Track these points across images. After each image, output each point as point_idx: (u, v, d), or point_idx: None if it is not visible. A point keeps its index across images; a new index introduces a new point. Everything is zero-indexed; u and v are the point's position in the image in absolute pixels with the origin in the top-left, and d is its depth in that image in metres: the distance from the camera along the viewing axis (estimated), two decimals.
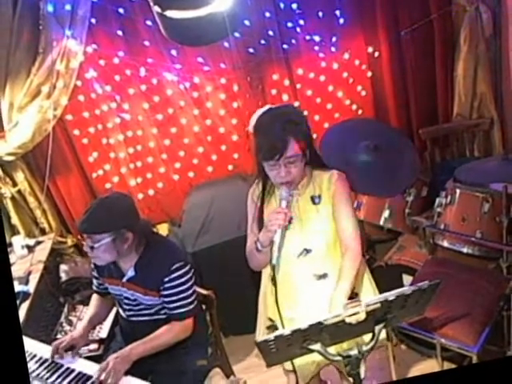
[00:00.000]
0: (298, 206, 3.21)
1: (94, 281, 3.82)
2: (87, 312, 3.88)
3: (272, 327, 3.41)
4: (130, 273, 3.48)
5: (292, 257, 3.25)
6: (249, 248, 3.29)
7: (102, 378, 3.17)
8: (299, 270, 3.27)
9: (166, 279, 3.39)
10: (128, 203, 3.44)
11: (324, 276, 3.26)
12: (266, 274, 3.44)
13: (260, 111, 3.21)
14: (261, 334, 3.53)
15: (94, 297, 3.90)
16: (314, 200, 3.20)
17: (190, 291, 3.48)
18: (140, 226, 3.45)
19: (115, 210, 3.35)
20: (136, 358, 3.31)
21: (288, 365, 3.42)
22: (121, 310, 3.74)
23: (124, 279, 3.51)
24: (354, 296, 3.11)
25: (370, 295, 3.35)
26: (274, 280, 3.01)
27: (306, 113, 5.45)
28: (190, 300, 3.47)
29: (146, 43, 4.99)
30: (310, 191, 3.22)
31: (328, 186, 3.19)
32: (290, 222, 3.12)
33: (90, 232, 3.27)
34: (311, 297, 3.29)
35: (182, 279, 3.42)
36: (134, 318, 3.64)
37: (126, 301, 3.60)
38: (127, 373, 3.23)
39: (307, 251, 3.23)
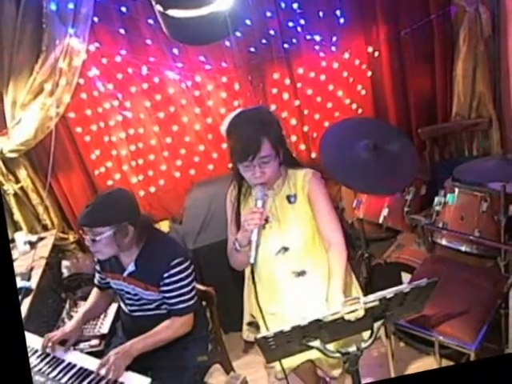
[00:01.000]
0: (275, 205, 3.25)
1: (97, 275, 3.83)
2: (83, 307, 3.89)
3: (253, 323, 3.46)
4: (131, 267, 3.48)
5: (271, 255, 3.30)
6: (229, 249, 3.33)
7: (103, 373, 3.18)
8: (278, 268, 3.33)
9: (166, 275, 3.39)
10: (129, 198, 3.46)
11: (302, 273, 3.31)
12: (247, 272, 3.49)
13: (232, 114, 3.21)
14: (244, 331, 3.57)
15: (93, 292, 3.91)
16: (290, 199, 3.24)
17: (190, 287, 3.48)
18: (141, 221, 3.45)
19: (116, 204, 3.36)
20: (137, 354, 3.31)
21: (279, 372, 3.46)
22: (122, 305, 3.75)
23: (125, 274, 3.52)
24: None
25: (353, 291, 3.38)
26: (252, 278, 3.01)
27: (305, 112, 5.47)
28: (189, 296, 3.47)
29: (148, 42, 4.99)
30: (285, 190, 3.26)
31: (303, 184, 3.22)
32: (266, 222, 3.11)
33: (91, 225, 3.27)
34: (291, 293, 3.34)
35: (182, 275, 3.42)
36: (135, 313, 3.64)
37: (128, 295, 3.61)
38: (128, 368, 3.23)
39: (285, 249, 3.28)
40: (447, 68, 5.48)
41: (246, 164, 3.01)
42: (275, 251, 3.27)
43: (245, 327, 3.58)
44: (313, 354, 3.02)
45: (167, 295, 3.45)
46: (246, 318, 3.58)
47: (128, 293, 3.59)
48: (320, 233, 3.25)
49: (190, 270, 3.47)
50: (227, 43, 5.07)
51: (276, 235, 3.26)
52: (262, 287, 3.22)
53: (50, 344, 3.49)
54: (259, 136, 2.96)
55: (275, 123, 3.11)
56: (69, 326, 3.67)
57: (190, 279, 3.47)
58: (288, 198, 3.22)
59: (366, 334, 2.74)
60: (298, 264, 3.29)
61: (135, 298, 3.58)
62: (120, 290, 3.64)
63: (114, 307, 4.18)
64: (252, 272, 3.00)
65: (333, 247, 3.15)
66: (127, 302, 3.65)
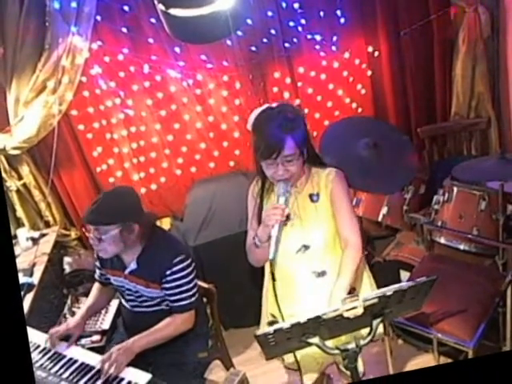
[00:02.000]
0: (297, 203, 3.21)
1: (97, 271, 3.83)
2: (85, 303, 3.89)
3: (273, 323, 3.41)
4: (133, 265, 3.48)
5: (291, 253, 3.25)
6: (248, 243, 3.29)
7: (105, 368, 3.18)
8: (298, 267, 3.29)
9: (168, 272, 3.39)
10: (134, 197, 3.47)
11: (323, 274, 3.27)
12: (267, 270, 3.44)
13: (258, 110, 3.18)
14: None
15: (95, 288, 3.91)
16: (313, 198, 3.20)
17: (192, 284, 3.48)
18: (145, 219, 3.46)
19: (122, 203, 3.37)
20: (139, 351, 3.32)
21: (291, 364, 3.44)
22: (123, 301, 3.75)
23: (126, 271, 3.52)
24: (351, 291, 3.10)
25: (368, 291, 3.35)
26: (272, 275, 3.00)
27: (305, 111, 5.47)
28: (191, 293, 3.48)
29: (150, 40, 4.98)
30: (308, 189, 3.22)
31: (326, 183, 3.18)
32: (288, 219, 3.10)
33: (97, 223, 3.27)
34: (311, 294, 3.30)
35: (184, 272, 3.42)
36: (136, 309, 3.65)
37: (128, 292, 3.61)
38: (129, 364, 3.23)
39: (306, 248, 3.23)
40: (446, 68, 5.47)
41: (269, 162, 2.99)
42: (296, 249, 3.24)
43: (265, 326, 3.53)
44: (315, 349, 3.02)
45: (169, 292, 3.46)
46: (266, 317, 3.54)
47: (129, 290, 3.59)
48: (338, 232, 3.23)
49: (191, 268, 3.48)
50: (228, 42, 5.04)
51: (297, 233, 3.22)
52: (281, 286, 3.18)
53: (53, 339, 3.50)
54: (284, 134, 2.93)
55: (300, 121, 3.06)
56: (72, 321, 3.67)
57: (191, 276, 3.48)
58: (311, 196, 3.20)
59: (365, 332, 2.74)
60: (318, 264, 3.25)
61: (136, 295, 3.58)
62: (121, 286, 3.64)
63: (115, 303, 4.18)
64: (272, 270, 3.00)
65: (349, 248, 3.12)
66: (128, 298, 3.66)
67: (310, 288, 3.29)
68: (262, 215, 3.17)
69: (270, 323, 3.41)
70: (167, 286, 3.44)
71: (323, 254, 3.25)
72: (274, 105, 3.22)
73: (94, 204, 3.31)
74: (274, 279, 3.00)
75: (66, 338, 3.58)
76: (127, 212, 3.35)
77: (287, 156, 2.96)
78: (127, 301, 3.68)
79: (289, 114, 3.05)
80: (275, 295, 3.02)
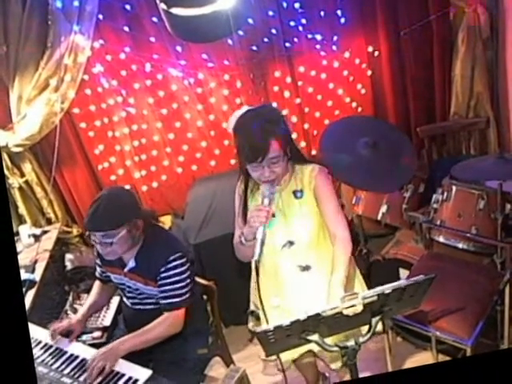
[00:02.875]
0: (281, 200, 3.22)
1: (98, 268, 3.83)
2: (87, 299, 3.90)
3: (254, 313, 3.44)
4: (131, 263, 3.48)
5: (276, 248, 3.28)
6: (235, 241, 3.30)
7: (88, 373, 3.17)
8: (284, 261, 3.31)
9: (162, 269, 3.40)
10: (130, 195, 3.50)
11: (307, 268, 3.29)
12: (252, 265, 3.45)
13: (237, 112, 3.18)
14: (249, 321, 3.57)
15: (96, 284, 3.92)
16: (296, 194, 3.21)
17: (184, 283, 3.47)
18: (144, 214, 3.47)
19: (123, 204, 3.36)
20: (124, 354, 3.29)
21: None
22: (124, 298, 3.75)
23: (126, 269, 3.52)
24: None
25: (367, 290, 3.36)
26: (256, 273, 3.00)
27: (306, 110, 5.47)
28: (183, 291, 3.46)
29: (152, 39, 4.98)
30: (292, 186, 3.23)
31: (309, 180, 3.19)
32: (273, 216, 3.12)
33: (106, 229, 3.25)
34: (296, 287, 3.33)
35: (177, 270, 3.42)
36: (137, 306, 3.66)
37: (128, 289, 3.62)
38: (129, 360, 3.23)
39: (291, 243, 3.26)
40: (446, 68, 5.47)
41: (254, 165, 2.98)
42: (281, 245, 3.25)
43: (249, 316, 3.56)
44: (313, 346, 3.02)
45: (161, 289, 3.45)
46: (251, 308, 3.57)
47: (129, 287, 3.60)
48: (326, 228, 3.23)
49: (186, 266, 3.47)
50: (230, 41, 5.05)
51: (282, 229, 3.23)
52: (267, 280, 3.24)
53: (55, 334, 3.50)
54: (267, 136, 2.92)
55: (281, 121, 3.07)
56: (74, 318, 3.68)
57: (185, 275, 3.46)
58: (294, 193, 3.20)
59: (364, 329, 2.74)
60: (303, 258, 3.27)
61: (136, 293, 3.59)
62: (121, 284, 3.65)
63: (116, 300, 4.17)
64: (256, 267, 3.01)
65: (338, 242, 3.12)
66: (128, 295, 3.66)
67: (294, 281, 3.32)
68: (247, 215, 3.17)
69: (251, 312, 3.44)
70: (160, 283, 3.44)
71: (308, 249, 3.27)
72: (253, 107, 3.22)
73: (94, 211, 3.27)
74: (257, 276, 3.00)
75: (67, 333, 3.58)
76: (129, 211, 3.35)
77: (272, 158, 2.96)
78: (128, 298, 3.69)
79: (270, 116, 3.05)
80: (258, 289, 3.03)
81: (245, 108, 3.21)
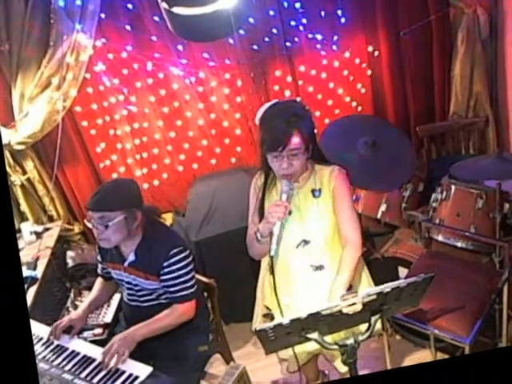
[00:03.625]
0: (299, 198, 3.22)
1: (99, 265, 3.84)
2: (89, 296, 3.90)
3: (268, 315, 3.43)
4: (131, 257, 3.48)
5: (291, 247, 3.26)
6: (249, 237, 3.30)
7: (106, 360, 3.18)
8: (297, 260, 3.29)
9: (165, 264, 3.40)
10: (135, 186, 3.49)
11: (320, 267, 3.28)
12: (264, 263, 3.46)
13: (267, 105, 3.20)
14: (257, 322, 3.56)
15: (98, 281, 3.92)
16: (315, 193, 3.21)
17: (190, 275, 3.48)
18: (146, 209, 3.47)
19: (126, 190, 3.39)
20: (140, 339, 3.32)
21: (282, 354, 3.46)
22: (124, 295, 3.75)
23: (125, 264, 3.52)
24: (348, 288, 3.10)
25: (366, 289, 3.36)
26: (272, 271, 3.01)
27: (309, 109, 5.47)
28: (190, 284, 3.47)
29: (154, 38, 4.98)
30: (310, 184, 3.23)
31: (329, 180, 3.20)
32: (290, 214, 3.12)
33: (103, 210, 3.26)
34: (308, 286, 3.31)
35: (182, 263, 3.42)
36: (136, 303, 3.66)
37: (128, 285, 3.61)
38: (130, 357, 3.23)
39: (306, 242, 3.24)
40: (445, 68, 5.47)
41: (274, 154, 3.00)
42: (296, 244, 3.25)
43: (260, 319, 3.54)
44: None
45: (168, 284, 3.45)
46: (260, 310, 3.55)
47: (128, 283, 3.60)
48: (339, 228, 3.24)
49: (189, 259, 3.47)
50: (231, 41, 5.05)
51: (298, 228, 3.23)
52: (279, 278, 3.22)
53: (57, 331, 3.51)
54: (290, 128, 2.94)
55: (308, 118, 3.09)
56: (75, 314, 3.68)
57: (189, 268, 3.47)
58: (313, 192, 3.20)
59: (363, 327, 2.74)
60: (316, 258, 3.26)
61: (136, 289, 3.58)
62: (121, 280, 3.65)
63: (117, 297, 4.17)
64: (271, 264, 3.00)
65: (348, 245, 3.14)
66: (128, 292, 3.66)
67: (307, 280, 3.31)
68: (265, 211, 3.18)
69: (265, 315, 3.44)
70: (165, 277, 3.44)
71: (322, 248, 3.26)
72: (282, 101, 3.23)
73: (96, 193, 3.33)
74: (273, 273, 3.00)
75: (68, 330, 3.58)
76: (131, 199, 3.37)
77: (293, 150, 2.98)
78: (127, 294, 3.69)
79: (297, 110, 3.07)
80: (274, 289, 3.03)
81: (273, 101, 3.22)
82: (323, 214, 3.21)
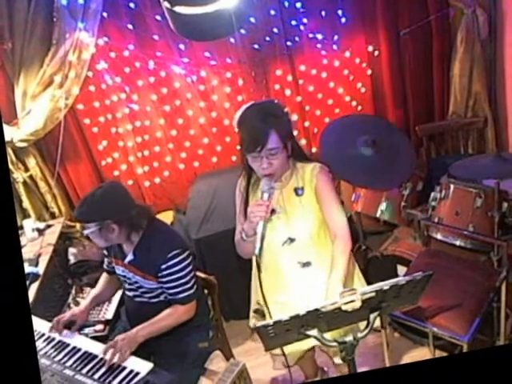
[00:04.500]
0: (283, 197, 3.24)
1: (105, 259, 3.86)
2: (92, 291, 3.92)
3: (259, 311, 3.46)
4: (130, 256, 3.50)
5: (277, 245, 3.28)
6: (236, 237, 3.32)
7: (109, 357, 3.18)
8: (284, 258, 3.32)
9: (164, 266, 3.40)
10: (117, 196, 3.46)
11: (307, 264, 3.29)
12: (254, 262, 3.46)
13: (244, 106, 3.21)
14: (250, 318, 3.57)
15: (102, 276, 3.96)
16: (297, 192, 3.22)
17: (189, 277, 3.48)
18: (133, 216, 3.44)
19: (104, 204, 3.36)
20: (142, 340, 3.33)
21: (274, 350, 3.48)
22: (125, 291, 3.76)
23: (126, 261, 3.53)
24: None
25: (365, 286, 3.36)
26: (258, 268, 3.01)
27: (307, 108, 5.47)
28: (189, 285, 3.48)
29: (156, 37, 4.98)
30: (293, 183, 3.24)
31: (310, 178, 3.20)
32: (273, 213, 3.16)
33: (79, 220, 3.37)
34: (296, 282, 3.34)
35: (179, 266, 3.42)
36: (137, 299, 3.67)
37: (129, 281, 3.63)
38: (131, 353, 3.23)
39: (291, 240, 3.26)
40: (445, 68, 5.47)
41: (253, 155, 3.00)
42: (281, 242, 3.26)
43: (251, 314, 3.58)
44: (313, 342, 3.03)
45: (166, 286, 3.46)
46: (253, 306, 3.58)
47: (129, 279, 3.61)
48: (326, 225, 3.24)
49: (188, 261, 3.47)
50: (232, 40, 5.05)
51: (283, 226, 3.24)
52: (268, 276, 3.23)
53: (59, 326, 3.52)
54: (267, 128, 2.95)
55: (284, 117, 3.09)
56: (77, 309, 3.70)
57: (188, 270, 3.47)
58: (296, 190, 3.21)
59: (362, 325, 2.74)
60: (303, 255, 3.28)
61: (136, 285, 3.59)
62: (122, 275, 3.66)
63: (118, 293, 4.18)
64: (257, 262, 3.01)
65: (338, 239, 3.14)
66: (128, 287, 3.68)
67: (295, 277, 3.33)
68: (248, 211, 3.18)
69: (256, 311, 3.47)
70: (164, 279, 3.44)
71: (308, 245, 3.28)
72: (258, 102, 3.24)
73: (81, 202, 3.38)
74: (259, 272, 3.01)
75: (69, 325, 3.59)
76: (104, 212, 3.34)
77: (271, 149, 2.98)
78: (128, 290, 3.70)
79: (272, 110, 3.09)
80: (260, 285, 3.04)
81: (250, 103, 3.23)
82: (307, 211, 3.22)
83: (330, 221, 3.20)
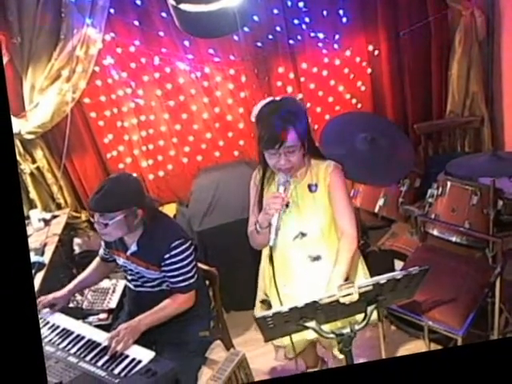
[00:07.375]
0: (296, 192, 3.21)
1: (102, 249, 3.85)
2: (79, 276, 3.90)
3: (265, 302, 3.45)
4: (133, 247, 3.48)
5: (289, 239, 3.27)
6: (250, 229, 3.31)
7: (112, 345, 3.18)
8: (295, 252, 3.31)
9: (167, 256, 3.39)
10: (136, 182, 3.48)
11: (318, 258, 3.29)
12: (264, 253, 3.47)
13: (262, 102, 3.19)
14: (256, 308, 3.56)
15: (93, 262, 3.93)
16: (311, 188, 3.21)
17: (190, 266, 3.48)
18: (148, 203, 3.46)
19: (126, 189, 3.35)
20: (145, 329, 3.32)
21: (277, 341, 3.49)
22: (127, 281, 3.76)
23: (128, 253, 3.52)
24: (345, 279, 3.10)
25: (362, 280, 3.36)
26: (271, 260, 3.01)
27: (308, 105, 5.46)
28: (190, 274, 3.48)
29: (161, 34, 4.98)
30: (307, 179, 3.23)
31: (325, 175, 3.19)
32: (287, 207, 3.14)
33: (104, 210, 3.26)
34: (306, 276, 3.32)
35: (182, 256, 3.42)
36: (139, 289, 3.67)
37: (131, 272, 3.63)
38: (134, 342, 3.23)
39: (303, 235, 3.25)
40: (443, 68, 5.46)
41: (272, 152, 3.00)
42: (293, 236, 3.25)
43: (258, 304, 3.56)
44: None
45: (169, 274, 3.46)
46: (260, 296, 3.57)
47: (131, 270, 3.61)
48: (335, 222, 3.24)
49: (190, 251, 3.47)
50: (235, 37, 5.04)
51: (295, 221, 3.24)
52: (278, 269, 3.21)
53: (39, 306, 3.54)
54: (286, 126, 2.94)
55: (302, 114, 3.08)
56: (59, 292, 3.71)
57: (190, 259, 3.47)
58: (309, 186, 3.20)
59: (359, 317, 2.74)
60: (314, 249, 3.27)
61: (138, 276, 3.59)
62: (124, 266, 3.65)
63: (122, 283, 4.18)
64: (270, 253, 3.00)
65: (344, 237, 3.14)
66: (130, 278, 3.68)
67: (305, 270, 3.32)
68: (263, 203, 3.20)
69: (262, 301, 3.46)
70: (166, 268, 3.44)
71: (319, 240, 3.27)
72: (278, 98, 3.22)
73: (98, 192, 3.30)
74: (272, 264, 3.00)
75: (51, 307, 3.63)
76: (131, 198, 3.34)
77: (289, 147, 2.97)
78: (130, 281, 3.70)
79: (291, 107, 3.07)
80: (274, 278, 3.04)
81: (268, 99, 3.21)
82: (319, 207, 3.21)
83: (339, 219, 3.20)
